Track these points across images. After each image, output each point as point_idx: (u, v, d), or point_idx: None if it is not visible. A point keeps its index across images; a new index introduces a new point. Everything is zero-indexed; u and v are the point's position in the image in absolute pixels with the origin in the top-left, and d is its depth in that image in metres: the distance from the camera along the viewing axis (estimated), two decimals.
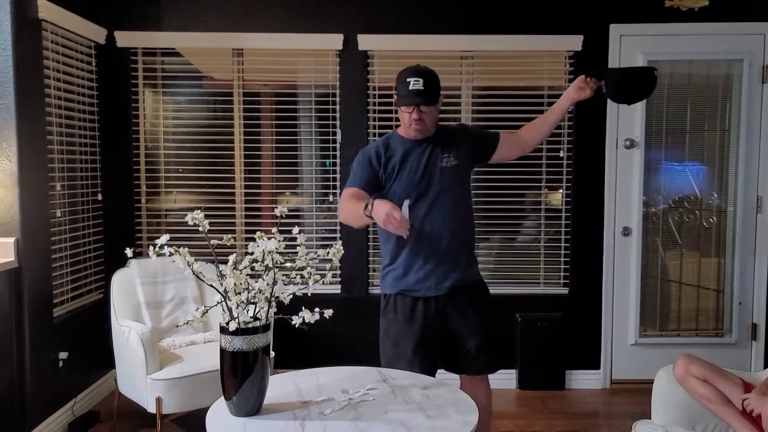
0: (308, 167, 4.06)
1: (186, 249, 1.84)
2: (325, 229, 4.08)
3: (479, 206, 3.93)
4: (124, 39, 3.86)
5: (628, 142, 3.93)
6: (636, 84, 2.45)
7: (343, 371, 2.38)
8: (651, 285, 4.08)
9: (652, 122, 3.97)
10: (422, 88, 2.35)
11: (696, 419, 2.27)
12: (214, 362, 2.43)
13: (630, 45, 3.89)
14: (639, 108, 3.88)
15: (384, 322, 2.54)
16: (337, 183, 4.00)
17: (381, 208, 2.13)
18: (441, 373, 2.52)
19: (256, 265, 1.97)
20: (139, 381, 2.93)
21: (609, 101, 2.61)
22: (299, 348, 3.70)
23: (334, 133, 3.99)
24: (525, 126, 2.65)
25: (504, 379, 3.86)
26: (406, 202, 2.29)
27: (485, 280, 2.64)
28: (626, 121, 3.93)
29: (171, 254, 1.86)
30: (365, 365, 2.45)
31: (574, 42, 3.85)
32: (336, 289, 4.00)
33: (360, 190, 2.39)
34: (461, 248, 2.48)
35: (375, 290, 3.99)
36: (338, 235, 3.99)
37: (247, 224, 4.04)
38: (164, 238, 1.80)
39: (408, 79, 2.36)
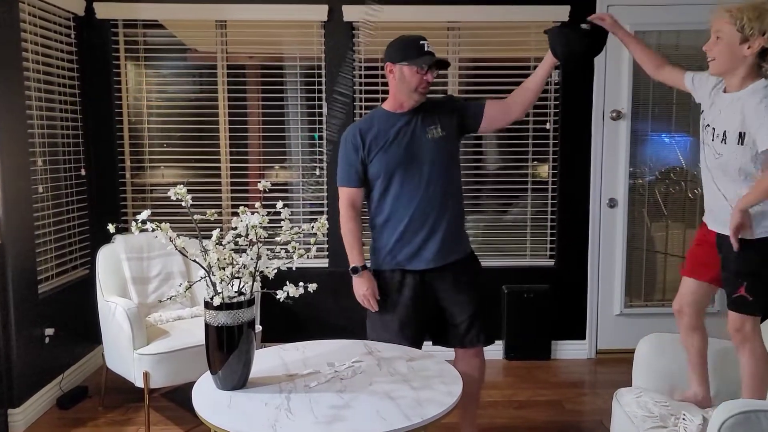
0: (295, 141, 4.03)
1: (168, 224, 1.83)
2: (311, 203, 4.06)
3: (466, 179, 3.93)
4: (104, 10, 3.77)
5: (614, 114, 3.92)
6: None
7: (329, 344, 2.40)
8: (637, 256, 4.11)
9: (639, 93, 3.96)
10: (434, 51, 2.37)
11: (674, 386, 2.31)
12: (201, 337, 2.42)
13: (617, 15, 3.75)
14: (625, 79, 3.88)
15: None
16: (324, 157, 3.97)
17: (360, 288, 2.48)
18: (438, 350, 2.54)
19: (240, 240, 1.96)
20: (126, 356, 2.93)
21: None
22: (287, 322, 3.71)
23: (320, 106, 3.95)
24: (512, 92, 2.61)
25: (491, 350, 3.84)
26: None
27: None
28: (612, 93, 3.92)
29: (153, 230, 1.85)
30: (353, 338, 2.47)
31: (561, 12, 3.80)
32: (324, 263, 4.00)
33: (357, 191, 2.48)
34: (451, 221, 2.47)
35: None
36: (326, 209, 3.98)
37: (233, 198, 4.01)
38: (145, 214, 1.79)
39: (421, 42, 2.37)
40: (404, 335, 2.45)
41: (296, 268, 2.01)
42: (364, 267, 2.49)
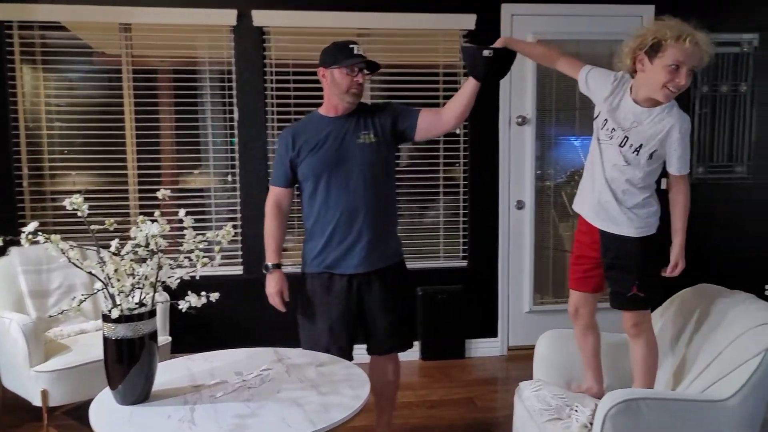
0: (207, 146, 3.95)
1: (58, 236, 1.76)
2: (227, 209, 3.99)
3: None
4: None
5: (520, 119, 4.08)
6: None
7: (238, 353, 2.37)
8: (545, 255, 4.29)
9: (544, 100, 4.14)
10: (364, 54, 2.43)
11: (571, 379, 2.44)
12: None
13: (521, 24, 4.02)
14: (530, 86, 4.05)
15: (301, 300, 2.55)
16: (236, 162, 3.92)
17: (268, 286, 2.52)
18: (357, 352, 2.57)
19: (140, 250, 1.91)
20: (22, 374, 2.79)
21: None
22: (200, 332, 3.62)
23: (232, 111, 3.90)
24: (446, 103, 2.57)
25: (407, 352, 3.95)
26: None
27: None
28: (518, 99, 4.08)
29: (44, 242, 1.78)
30: (270, 346, 2.45)
31: (468, 21, 3.93)
32: (239, 270, 3.95)
33: (284, 191, 2.55)
34: (380, 226, 2.49)
35: None
36: (239, 215, 3.93)
37: (142, 206, 3.88)
38: (32, 226, 1.72)
39: (351, 46, 2.43)
40: (334, 337, 2.47)
41: (211, 275, 1.98)
42: (276, 266, 2.51)
